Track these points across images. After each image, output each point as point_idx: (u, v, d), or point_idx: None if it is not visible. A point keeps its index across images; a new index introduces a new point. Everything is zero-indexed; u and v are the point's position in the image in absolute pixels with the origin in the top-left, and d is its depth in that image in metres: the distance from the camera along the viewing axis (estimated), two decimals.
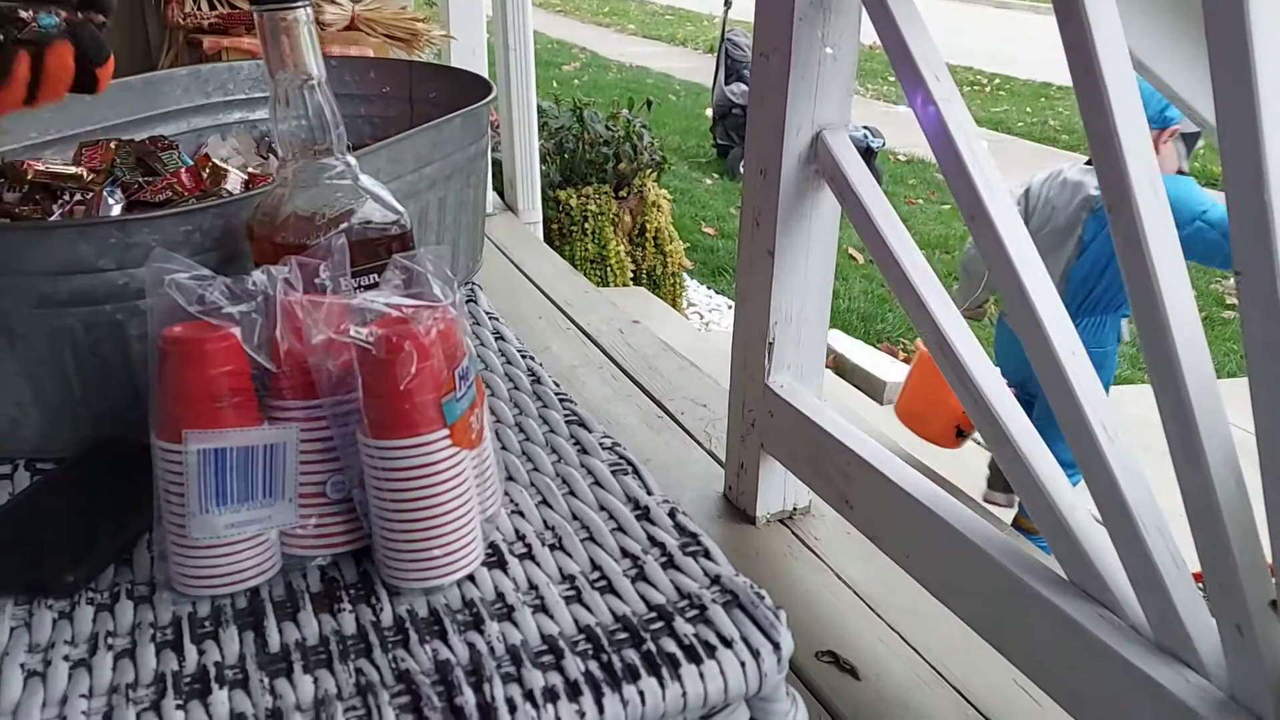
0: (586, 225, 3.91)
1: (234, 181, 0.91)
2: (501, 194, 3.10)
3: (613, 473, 0.75)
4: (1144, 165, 0.81)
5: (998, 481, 2.73)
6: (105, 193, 0.82)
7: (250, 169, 0.99)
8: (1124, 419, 0.91)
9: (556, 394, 0.87)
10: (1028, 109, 8.60)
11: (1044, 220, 2.51)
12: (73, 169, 0.85)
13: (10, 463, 0.76)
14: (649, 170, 4.12)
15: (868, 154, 5.73)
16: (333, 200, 0.70)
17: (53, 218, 0.81)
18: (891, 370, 3.50)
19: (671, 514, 0.70)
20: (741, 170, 1.43)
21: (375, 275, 0.68)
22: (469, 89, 1.04)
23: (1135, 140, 0.81)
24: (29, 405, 0.73)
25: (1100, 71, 0.82)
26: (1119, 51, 0.83)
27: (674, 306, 4.11)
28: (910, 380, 2.62)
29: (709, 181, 6.52)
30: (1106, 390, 2.48)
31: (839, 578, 1.37)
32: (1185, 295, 0.81)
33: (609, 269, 3.94)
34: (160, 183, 0.85)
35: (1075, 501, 0.96)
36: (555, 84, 8.23)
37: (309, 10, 0.66)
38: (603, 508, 0.71)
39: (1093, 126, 0.83)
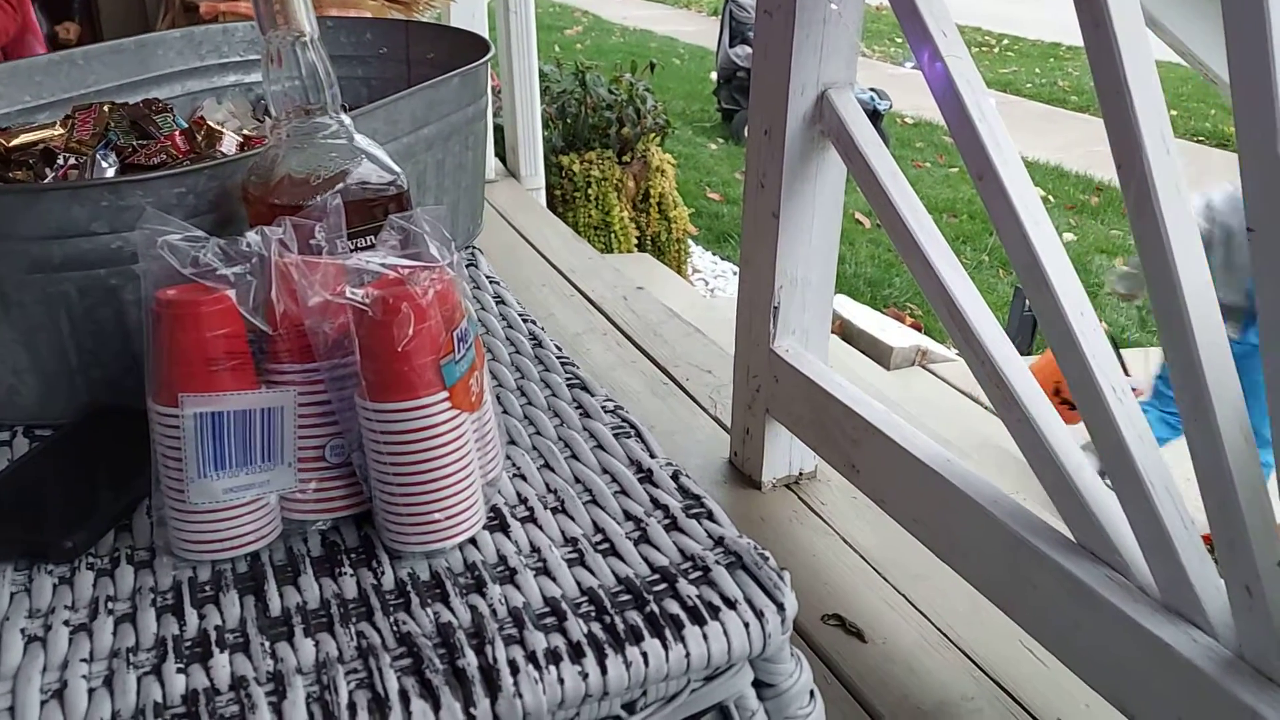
0: (590, 191, 3.88)
1: (229, 144, 0.90)
2: (503, 159, 3.07)
3: (615, 436, 0.74)
4: (1155, 123, 0.80)
5: None
6: (98, 156, 0.80)
7: (245, 132, 0.97)
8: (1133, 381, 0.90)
9: (558, 358, 0.86)
10: (1037, 70, 8.50)
11: (1224, 238, 2.51)
12: (40, 134, 0.84)
13: (9, 429, 0.75)
14: (653, 135, 4.09)
15: (874, 116, 5.68)
16: (327, 161, 0.69)
17: (46, 181, 0.80)
18: (898, 335, 3.48)
19: (674, 476, 0.69)
20: (746, 134, 1.41)
21: (371, 236, 0.67)
22: (467, 49, 1.02)
23: (1146, 97, 0.80)
24: (26, 372, 0.72)
25: (1111, 26, 0.80)
26: (1130, 6, 0.81)
27: (679, 272, 4.09)
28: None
29: (714, 146, 6.47)
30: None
31: (845, 542, 1.37)
32: (1196, 254, 0.79)
33: (613, 235, 3.92)
34: (154, 146, 0.84)
35: (1082, 462, 0.95)
36: (558, 48, 8.15)
37: None
38: (605, 471, 0.70)
39: (1103, 83, 0.81)
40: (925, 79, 1.04)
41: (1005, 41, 9.60)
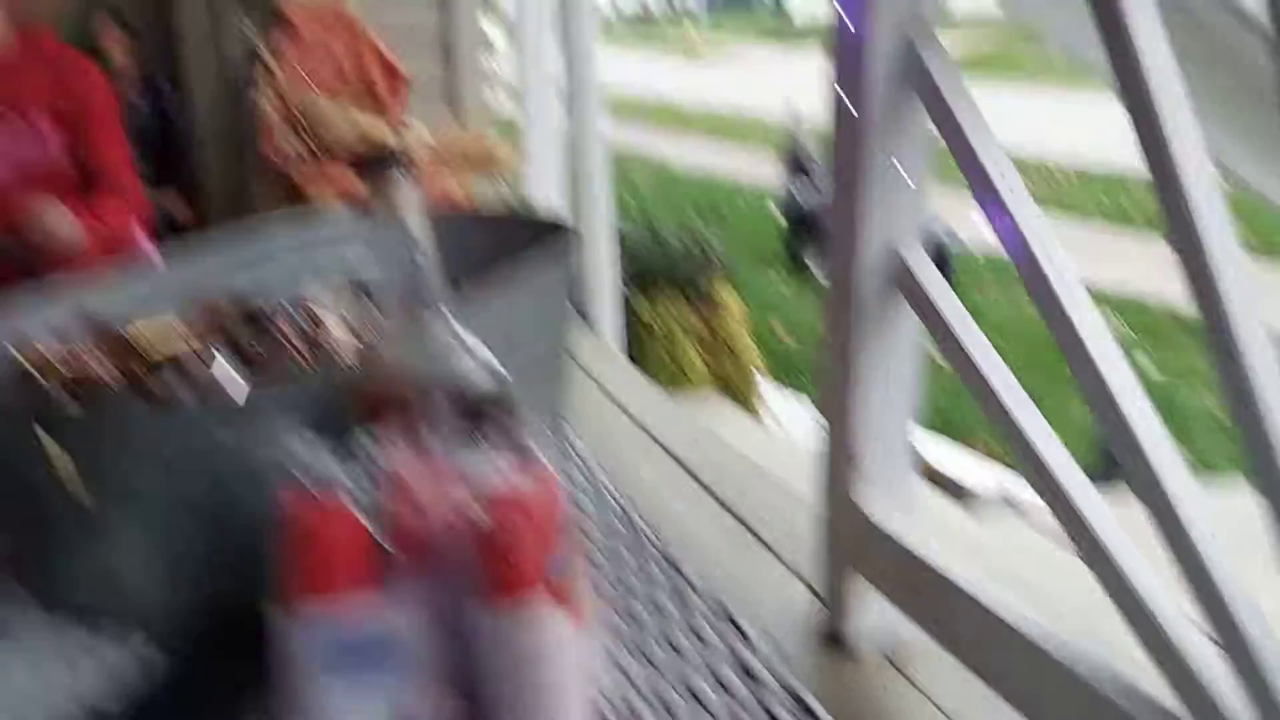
0: (659, 332, 3.95)
1: (337, 332, 0.95)
2: (580, 312, 3.16)
3: (713, 628, 0.74)
4: (1228, 260, 0.80)
5: None
6: (219, 356, 0.86)
7: (347, 317, 1.02)
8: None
9: (660, 551, 0.86)
10: (1104, 197, 8.47)
11: None
12: (165, 335, 0.90)
13: (130, 628, 0.77)
14: (720, 276, 4.17)
15: (942, 256, 5.68)
16: (432, 359, 0.72)
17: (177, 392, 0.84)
18: (981, 477, 3.40)
19: (775, 674, 0.68)
20: (812, 269, 1.44)
21: (477, 435, 0.69)
22: (553, 235, 1.07)
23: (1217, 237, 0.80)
24: (149, 570, 0.75)
25: (1181, 181, 0.81)
26: (1196, 150, 0.82)
27: (748, 410, 4.09)
28: None
29: (781, 285, 6.56)
30: None
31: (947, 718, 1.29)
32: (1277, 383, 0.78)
33: (683, 375, 3.96)
34: (271, 341, 0.89)
35: (1178, 615, 0.91)
36: (625, 194, 8.44)
37: (407, 170, 0.69)
38: (706, 664, 0.70)
39: (1172, 218, 0.82)
40: (993, 230, 1.06)
41: (1073, 174, 9.61)
